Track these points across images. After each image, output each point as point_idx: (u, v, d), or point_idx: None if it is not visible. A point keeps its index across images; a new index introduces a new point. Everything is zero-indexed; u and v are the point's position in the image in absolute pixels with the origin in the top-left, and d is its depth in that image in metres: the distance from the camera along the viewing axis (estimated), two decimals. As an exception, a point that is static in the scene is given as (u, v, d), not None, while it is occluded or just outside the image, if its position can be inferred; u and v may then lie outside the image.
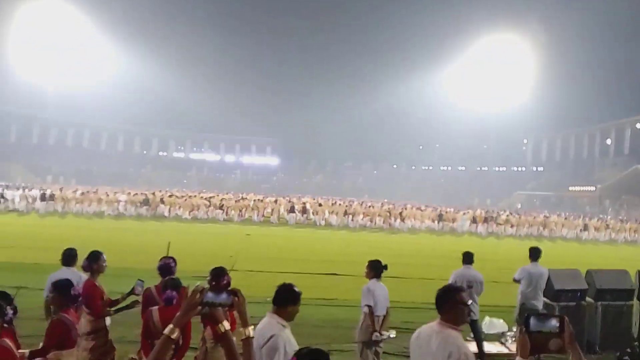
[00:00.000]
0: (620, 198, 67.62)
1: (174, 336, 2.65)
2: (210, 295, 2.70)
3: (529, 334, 2.77)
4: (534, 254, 9.03)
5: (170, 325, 2.65)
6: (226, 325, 2.78)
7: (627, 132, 73.17)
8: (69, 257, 6.34)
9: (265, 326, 3.90)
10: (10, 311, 3.92)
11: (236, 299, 2.80)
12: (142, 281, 5.70)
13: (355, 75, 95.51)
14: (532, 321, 2.78)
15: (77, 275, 6.12)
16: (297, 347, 3.49)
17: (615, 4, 71.69)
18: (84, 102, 79.45)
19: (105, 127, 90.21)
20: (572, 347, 2.83)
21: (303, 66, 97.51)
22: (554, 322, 2.76)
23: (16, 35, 78.95)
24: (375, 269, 6.77)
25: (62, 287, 4.77)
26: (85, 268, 5.84)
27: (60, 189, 38.43)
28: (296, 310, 4.11)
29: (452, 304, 3.80)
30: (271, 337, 3.77)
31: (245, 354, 2.80)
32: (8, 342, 3.84)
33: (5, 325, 3.86)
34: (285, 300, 4.10)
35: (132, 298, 5.88)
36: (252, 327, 2.86)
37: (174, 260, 6.01)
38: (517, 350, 2.82)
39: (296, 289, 4.22)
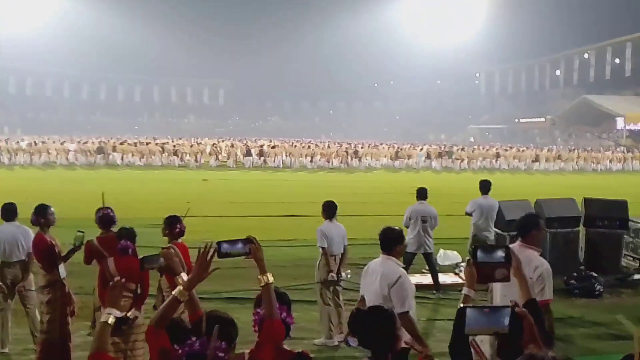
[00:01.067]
0: (569, 128, 69.73)
1: (183, 299, 2.68)
2: (225, 247, 2.78)
3: (476, 265, 2.86)
4: (484, 186, 9.28)
5: (180, 288, 2.68)
6: (184, 276, 2.79)
7: (576, 62, 74.60)
8: (8, 211, 6.12)
9: (387, 268, 4.40)
10: None
11: (253, 246, 2.85)
12: (83, 232, 5.60)
13: (307, 13, 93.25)
14: (479, 253, 2.87)
15: (22, 229, 6.01)
16: None
17: None
18: (26, 48, 75.23)
19: (50, 72, 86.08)
20: (518, 276, 2.96)
21: (254, 5, 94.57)
22: (500, 253, 2.86)
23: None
24: (329, 209, 6.82)
25: None
26: (33, 222, 5.69)
27: (6, 140, 36.91)
28: (405, 247, 4.77)
29: (538, 230, 4.33)
30: (399, 277, 4.29)
31: (266, 299, 2.84)
32: None
33: None
34: (395, 241, 4.54)
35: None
36: (270, 273, 2.86)
37: (112, 210, 5.91)
38: (465, 281, 2.93)
39: (397, 228, 4.70)
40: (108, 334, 2.64)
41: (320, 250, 6.73)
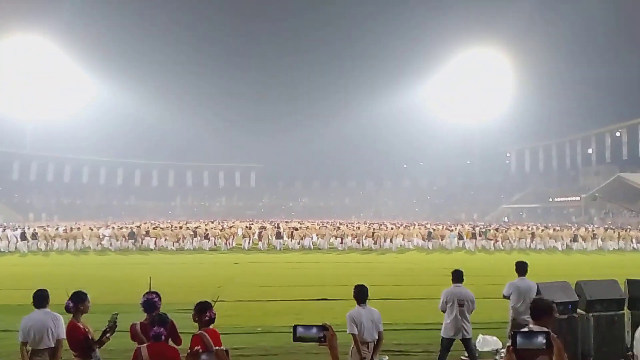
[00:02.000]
0: (605, 206, 68.35)
1: None
2: (301, 330, 2.88)
3: (516, 352, 2.73)
4: (521, 268, 8.99)
5: None
6: None
7: (608, 140, 74.22)
8: (40, 298, 6.13)
9: None
10: None
11: (328, 333, 2.91)
12: (117, 314, 5.59)
13: (335, 95, 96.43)
14: (519, 338, 2.78)
15: (52, 315, 5.97)
16: None
17: (591, 15, 73.34)
18: (63, 136, 78.97)
19: (86, 160, 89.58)
20: None
21: (283, 90, 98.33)
22: (540, 339, 2.76)
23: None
24: (358, 294, 6.67)
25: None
26: (68, 308, 5.69)
27: (44, 227, 37.81)
28: (554, 321, 4.70)
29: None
30: None
31: None
32: None
33: None
34: (544, 312, 4.56)
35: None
36: None
37: (158, 295, 5.90)
38: None
39: (548, 300, 4.75)
40: None
41: (352, 336, 6.52)
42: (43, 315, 5.98)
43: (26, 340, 5.95)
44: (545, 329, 3.36)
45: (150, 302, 5.73)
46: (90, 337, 5.62)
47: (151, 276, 6.32)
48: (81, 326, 5.63)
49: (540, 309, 4.49)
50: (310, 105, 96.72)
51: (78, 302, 5.70)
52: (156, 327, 5.00)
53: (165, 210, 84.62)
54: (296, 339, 2.90)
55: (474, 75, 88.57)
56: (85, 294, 5.84)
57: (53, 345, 5.97)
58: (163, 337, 5.00)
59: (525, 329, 3.92)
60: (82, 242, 33.44)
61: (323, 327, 2.93)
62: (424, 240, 36.19)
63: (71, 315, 5.72)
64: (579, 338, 8.85)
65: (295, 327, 2.92)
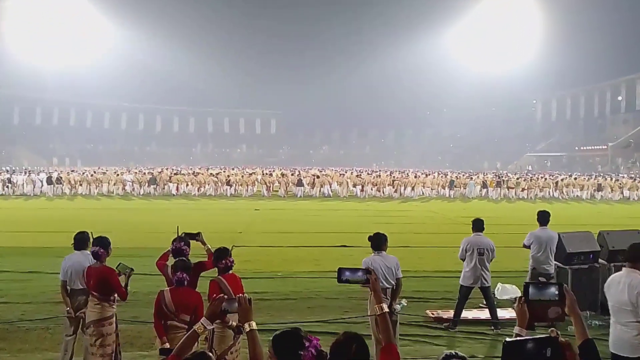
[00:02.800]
0: (632, 155, 67.02)
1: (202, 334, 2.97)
2: (347, 274, 3.03)
3: (528, 303, 2.70)
4: (543, 218, 8.87)
5: (201, 324, 2.94)
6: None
7: (638, 87, 71.99)
8: (80, 241, 6.30)
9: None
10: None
11: (371, 276, 3.06)
12: (130, 269, 5.83)
13: (358, 42, 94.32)
14: (531, 290, 2.74)
15: (90, 258, 6.02)
16: None
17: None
18: (85, 82, 78.99)
19: (108, 105, 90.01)
20: (573, 314, 2.75)
21: (305, 37, 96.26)
22: (553, 290, 2.72)
23: (13, 18, 78.27)
24: (375, 241, 6.64)
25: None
26: (98, 256, 5.77)
27: (68, 173, 38.45)
28: None
29: None
30: None
31: (383, 326, 3.02)
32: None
33: None
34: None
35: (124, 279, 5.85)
36: (384, 303, 3.07)
37: (188, 243, 5.95)
38: (517, 319, 2.75)
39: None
40: (193, 343, 2.92)
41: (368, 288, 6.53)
42: (82, 257, 6.13)
43: (65, 279, 6.15)
44: (556, 282, 3.34)
45: (179, 251, 5.78)
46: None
47: (164, 222, 6.35)
48: (115, 271, 5.76)
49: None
50: (332, 54, 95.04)
51: (103, 246, 5.78)
52: (179, 273, 5.08)
53: (186, 156, 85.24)
54: (342, 280, 3.05)
55: (499, 22, 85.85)
56: (107, 238, 5.92)
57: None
58: (186, 282, 5.08)
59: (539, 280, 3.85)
60: (107, 187, 33.99)
61: (367, 271, 3.08)
62: (444, 189, 36.06)
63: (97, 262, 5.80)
64: (600, 288, 8.81)
65: (340, 270, 3.04)
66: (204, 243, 6.18)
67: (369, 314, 6.71)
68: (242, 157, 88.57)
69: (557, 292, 2.70)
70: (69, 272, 6.11)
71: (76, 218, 19.76)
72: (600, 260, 9.03)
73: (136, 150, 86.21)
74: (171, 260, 5.68)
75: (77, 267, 6.05)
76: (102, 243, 5.79)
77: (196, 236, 6.15)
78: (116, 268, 5.78)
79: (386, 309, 3.03)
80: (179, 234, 6.00)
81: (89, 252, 6.02)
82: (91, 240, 6.10)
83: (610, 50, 72.60)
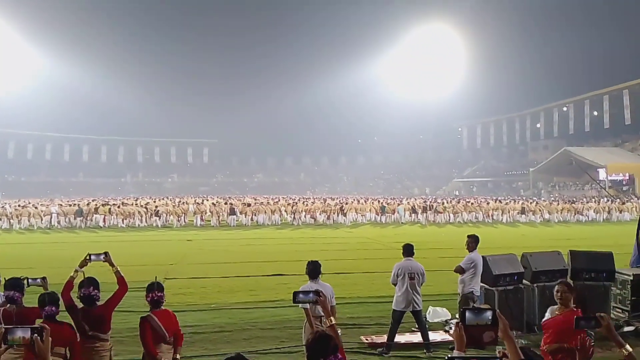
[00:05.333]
0: (552, 179, 70.73)
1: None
2: (301, 296, 3.71)
3: (465, 328, 2.84)
4: (407, 250, 8.56)
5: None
6: (333, 320, 3.59)
7: (556, 115, 76.39)
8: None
9: None
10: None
11: (320, 297, 3.67)
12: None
13: (290, 71, 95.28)
14: (468, 315, 2.87)
15: (1, 297, 5.64)
16: None
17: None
18: (6, 111, 75.52)
19: (31, 135, 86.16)
20: (506, 338, 2.93)
21: (236, 65, 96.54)
22: (487, 315, 2.86)
23: None
24: (311, 270, 6.73)
25: None
26: (15, 300, 5.34)
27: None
28: None
29: None
30: None
31: (335, 336, 3.30)
32: None
33: None
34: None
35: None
36: (332, 317, 3.64)
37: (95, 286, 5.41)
38: (455, 343, 2.90)
39: None
40: None
41: (304, 312, 6.57)
42: None
43: None
44: (490, 307, 3.52)
45: (88, 296, 5.33)
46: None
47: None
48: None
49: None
50: (265, 82, 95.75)
51: (22, 290, 5.40)
52: (47, 307, 4.88)
53: (115, 187, 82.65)
54: (296, 301, 3.76)
55: (427, 52, 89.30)
56: (22, 281, 5.51)
57: None
58: (55, 316, 4.88)
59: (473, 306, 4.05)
60: (29, 220, 32.31)
61: (317, 293, 3.68)
62: (377, 214, 36.70)
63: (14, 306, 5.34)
64: (525, 308, 9.21)
65: (295, 293, 3.73)
66: (112, 264, 5.60)
67: (303, 341, 6.71)
68: (174, 187, 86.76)
69: (491, 317, 2.84)
70: None
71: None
72: (524, 281, 9.46)
73: (62, 181, 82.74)
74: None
75: None
76: (18, 285, 5.38)
77: (101, 256, 5.53)
78: (24, 280, 5.43)
79: (334, 321, 3.56)
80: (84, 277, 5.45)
81: (0, 293, 5.67)
82: (2, 278, 5.71)
83: (530, 80, 77.37)
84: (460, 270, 8.84)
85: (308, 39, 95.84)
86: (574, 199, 46.81)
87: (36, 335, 2.62)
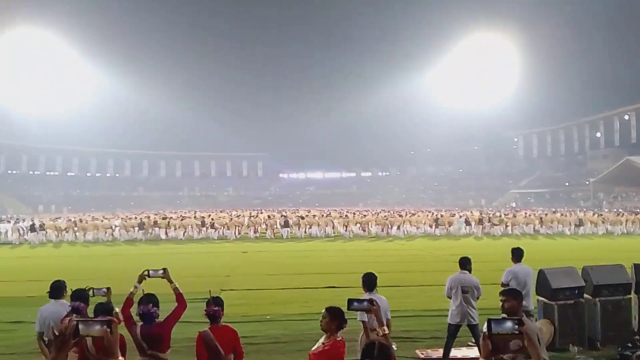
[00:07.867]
0: (613, 190, 68.00)
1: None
2: (355, 304, 4.07)
3: (490, 337, 2.88)
4: (517, 255, 8.97)
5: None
6: (386, 329, 4.02)
7: (616, 123, 73.69)
8: (56, 289, 6.12)
9: None
10: None
11: (373, 306, 4.00)
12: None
13: (341, 84, 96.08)
14: (492, 324, 2.96)
15: (68, 307, 5.78)
16: None
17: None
18: (70, 128, 79.30)
19: (94, 152, 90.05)
20: (530, 346, 2.99)
21: (288, 78, 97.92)
22: (511, 324, 2.92)
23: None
24: (368, 282, 6.74)
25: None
26: (79, 311, 5.47)
27: (54, 220, 38.11)
28: None
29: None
30: None
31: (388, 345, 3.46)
32: None
33: None
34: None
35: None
36: (385, 327, 3.99)
37: (155, 303, 5.39)
38: (482, 352, 3.06)
39: None
40: None
41: (361, 324, 6.59)
42: (59, 307, 5.91)
43: (42, 330, 5.92)
44: (517, 317, 3.55)
45: (147, 314, 5.31)
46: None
47: (151, 266, 6.07)
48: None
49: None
50: (316, 95, 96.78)
51: (86, 301, 5.58)
52: (100, 317, 4.96)
53: (172, 200, 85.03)
54: (350, 308, 4.09)
55: (479, 61, 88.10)
56: (87, 292, 5.74)
57: None
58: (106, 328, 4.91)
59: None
60: (92, 233, 33.69)
61: (371, 301, 3.98)
62: (430, 227, 36.20)
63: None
64: (586, 323, 8.91)
65: (350, 300, 4.05)
66: (170, 281, 5.69)
67: (359, 355, 6.71)
68: (229, 199, 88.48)
69: (515, 326, 2.89)
70: (46, 323, 5.86)
71: (61, 266, 19.54)
72: (585, 295, 9.15)
73: (123, 195, 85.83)
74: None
75: (55, 317, 5.75)
76: (83, 296, 5.55)
77: (159, 272, 5.62)
78: (89, 291, 5.63)
79: (387, 331, 3.87)
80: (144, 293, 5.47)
81: (65, 302, 5.87)
82: (68, 289, 5.93)
83: (589, 87, 74.73)
84: (502, 284, 8.71)
85: (357, 52, 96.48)
86: (637, 210, 44.84)
87: (106, 327, 2.71)
